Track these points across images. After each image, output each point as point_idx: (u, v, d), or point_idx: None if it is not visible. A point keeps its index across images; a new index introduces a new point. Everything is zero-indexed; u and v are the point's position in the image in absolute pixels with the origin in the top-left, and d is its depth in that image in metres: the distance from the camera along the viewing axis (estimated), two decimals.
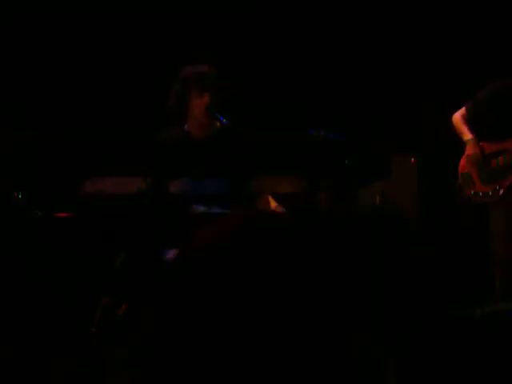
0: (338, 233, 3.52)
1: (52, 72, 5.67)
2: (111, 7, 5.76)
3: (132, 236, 3.45)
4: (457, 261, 5.59)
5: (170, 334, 3.43)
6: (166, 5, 5.84)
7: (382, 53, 6.05)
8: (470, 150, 4.79)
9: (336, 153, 3.75)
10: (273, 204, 3.90)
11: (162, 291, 3.42)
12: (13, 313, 3.65)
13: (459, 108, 5.13)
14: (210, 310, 3.45)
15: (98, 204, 3.66)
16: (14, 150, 4.98)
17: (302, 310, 3.47)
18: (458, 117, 4.90)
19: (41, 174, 4.61)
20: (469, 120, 4.83)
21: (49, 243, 3.49)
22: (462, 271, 5.48)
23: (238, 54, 5.86)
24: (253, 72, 5.93)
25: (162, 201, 3.60)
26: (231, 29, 5.89)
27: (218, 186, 3.90)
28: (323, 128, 3.87)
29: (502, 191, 4.67)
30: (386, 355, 3.50)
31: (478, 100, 4.83)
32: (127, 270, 3.52)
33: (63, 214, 3.47)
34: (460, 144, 5.14)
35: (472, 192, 4.78)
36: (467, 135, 4.82)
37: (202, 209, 3.80)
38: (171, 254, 3.59)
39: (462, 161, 4.89)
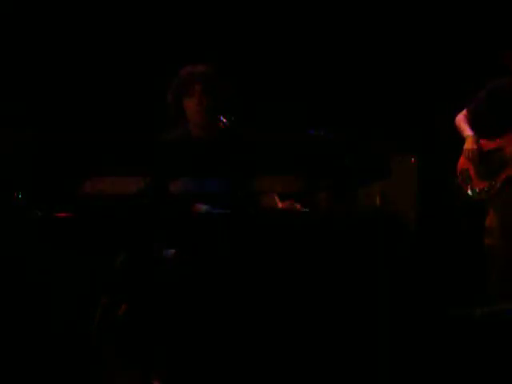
0: (338, 233, 3.52)
1: (52, 72, 5.67)
2: (111, 7, 5.76)
3: (132, 236, 3.45)
4: (457, 261, 5.59)
5: (168, 332, 3.43)
6: (166, 5, 5.84)
7: (382, 53, 6.05)
8: (468, 145, 4.85)
9: (336, 153, 3.75)
10: (279, 203, 3.91)
11: (162, 291, 3.42)
12: (13, 313, 3.64)
13: (459, 107, 5.15)
14: (209, 308, 3.45)
15: (97, 204, 3.66)
16: (14, 150, 4.96)
17: (301, 309, 3.47)
18: (460, 117, 4.96)
19: (41, 174, 4.60)
20: (470, 120, 4.88)
21: (49, 243, 3.49)
22: (462, 271, 5.48)
23: (238, 54, 5.86)
24: (253, 72, 5.93)
25: (162, 201, 3.59)
26: (231, 29, 5.89)
27: (219, 185, 3.91)
28: (323, 128, 3.87)
29: (498, 185, 4.71)
30: (386, 355, 3.50)
31: (477, 100, 4.89)
32: (127, 269, 3.52)
33: (63, 214, 3.46)
34: (460, 144, 5.14)
35: (470, 190, 4.82)
36: (467, 132, 4.88)
37: (204, 208, 3.80)
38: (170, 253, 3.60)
39: (461, 158, 4.92)
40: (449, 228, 5.88)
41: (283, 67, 6.05)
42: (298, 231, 3.52)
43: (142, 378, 3.44)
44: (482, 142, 4.93)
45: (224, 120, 3.92)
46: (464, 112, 4.99)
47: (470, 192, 4.88)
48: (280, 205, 3.94)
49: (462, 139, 5.05)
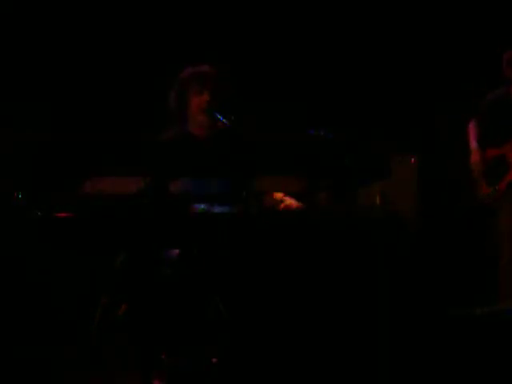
0: (338, 233, 3.52)
1: (52, 72, 5.67)
2: (111, 7, 5.76)
3: (132, 236, 3.45)
4: (457, 261, 5.59)
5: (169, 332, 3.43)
6: (167, 5, 5.84)
7: (382, 53, 6.04)
8: (472, 157, 4.96)
9: (336, 153, 3.75)
10: (280, 200, 3.91)
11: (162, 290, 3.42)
12: (12, 313, 3.64)
13: (459, 107, 5.17)
14: (209, 308, 3.45)
15: (97, 204, 3.66)
16: (14, 150, 4.96)
17: (302, 309, 3.47)
18: (469, 127, 5.06)
19: (41, 174, 4.60)
20: (477, 129, 4.99)
21: (49, 243, 3.49)
22: (462, 271, 5.48)
23: (238, 54, 5.86)
24: (253, 72, 5.93)
25: (161, 201, 3.59)
26: (231, 29, 5.89)
27: (219, 185, 3.90)
28: (323, 128, 3.87)
29: (502, 189, 4.81)
30: (386, 355, 3.49)
31: (480, 110, 4.98)
32: (127, 269, 3.52)
33: (63, 214, 3.46)
34: (459, 143, 5.16)
35: (480, 195, 4.94)
36: (472, 144, 5.00)
37: (202, 207, 3.80)
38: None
39: (472, 164, 5.03)
40: (449, 228, 5.88)
41: (283, 67, 6.05)
42: (297, 231, 3.52)
43: (142, 378, 3.44)
44: (488, 150, 5.02)
45: (224, 120, 3.93)
46: (472, 121, 5.10)
47: (480, 196, 4.97)
48: (282, 200, 3.94)
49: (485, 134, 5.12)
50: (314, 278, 3.48)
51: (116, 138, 5.31)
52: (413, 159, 5.65)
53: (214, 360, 3.46)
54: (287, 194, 3.96)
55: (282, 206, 3.94)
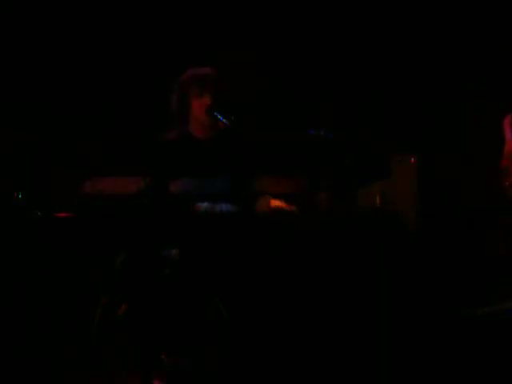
0: (338, 233, 3.52)
1: (52, 72, 5.67)
2: (111, 6, 5.76)
3: (132, 236, 3.45)
4: (457, 261, 5.59)
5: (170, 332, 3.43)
6: (167, 4, 5.84)
7: (382, 53, 6.04)
8: (507, 147, 4.92)
9: (336, 153, 3.75)
10: (274, 203, 3.90)
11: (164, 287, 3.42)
12: (12, 313, 3.64)
13: (459, 108, 5.16)
14: (210, 308, 3.45)
15: (97, 204, 3.66)
16: (14, 150, 4.97)
17: (302, 309, 3.47)
18: (507, 119, 5.03)
19: (41, 174, 4.61)
20: None
21: (49, 243, 3.49)
22: (462, 271, 5.48)
23: (238, 54, 5.85)
24: (253, 72, 5.93)
25: (162, 201, 3.60)
26: (232, 29, 5.89)
27: (220, 186, 3.91)
28: (323, 128, 3.87)
29: None
30: (386, 355, 3.50)
31: None
32: (127, 269, 3.52)
33: (63, 214, 3.47)
34: (459, 143, 5.16)
35: (507, 183, 4.91)
36: (508, 134, 4.95)
37: (205, 205, 3.80)
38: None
39: (505, 151, 4.99)
40: (449, 228, 5.88)
41: (283, 67, 6.05)
42: (297, 231, 3.52)
43: (142, 378, 3.44)
44: None
45: (224, 120, 3.93)
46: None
47: (508, 184, 4.94)
48: (274, 204, 3.94)
49: (487, 134, 5.07)
50: (314, 277, 3.48)
51: (116, 138, 5.31)
52: (413, 159, 5.65)
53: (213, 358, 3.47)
54: (275, 196, 3.93)
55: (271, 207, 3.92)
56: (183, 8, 5.85)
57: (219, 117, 3.93)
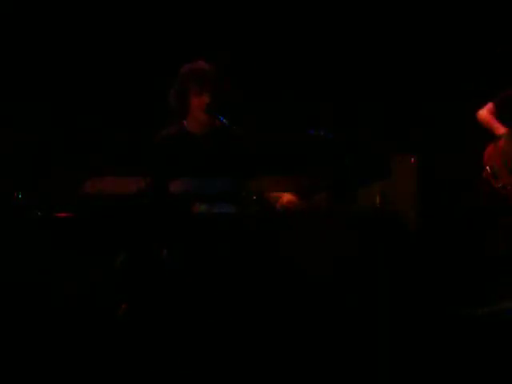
0: (338, 233, 3.52)
1: (52, 72, 5.67)
2: (111, 6, 5.76)
3: (132, 236, 3.45)
4: (457, 261, 5.59)
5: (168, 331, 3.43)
6: (167, 4, 5.84)
7: (382, 53, 6.04)
8: (507, 145, 4.85)
9: (336, 153, 3.75)
10: (278, 196, 3.90)
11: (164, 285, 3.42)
12: (13, 313, 3.64)
13: (459, 108, 5.15)
14: (210, 309, 3.45)
15: (97, 204, 3.66)
16: (14, 150, 4.97)
17: (302, 309, 3.47)
18: (485, 113, 4.95)
19: (41, 174, 4.61)
20: (497, 114, 4.88)
21: (49, 243, 3.49)
22: (462, 271, 5.48)
23: (238, 53, 5.86)
24: (253, 72, 5.93)
25: (161, 201, 3.60)
26: (232, 28, 5.89)
27: (218, 184, 3.91)
28: (323, 128, 3.87)
29: None
30: (386, 355, 3.50)
31: (506, 94, 4.88)
32: (127, 269, 3.52)
33: (63, 214, 3.46)
34: (459, 143, 5.15)
35: (500, 185, 4.85)
36: (501, 129, 4.89)
37: (203, 207, 3.80)
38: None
39: (489, 152, 4.91)
40: (449, 228, 5.88)
41: (283, 67, 6.05)
42: (297, 231, 3.52)
43: (142, 378, 3.45)
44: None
45: (224, 120, 3.93)
46: (489, 106, 4.97)
47: (501, 186, 4.89)
48: (280, 196, 3.93)
49: (491, 133, 5.01)
50: (313, 277, 3.48)
51: (116, 138, 5.31)
52: (413, 159, 5.65)
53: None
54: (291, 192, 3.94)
55: (282, 201, 3.92)
56: (185, 7, 5.85)
57: (219, 116, 3.93)
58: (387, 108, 6.10)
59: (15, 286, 3.63)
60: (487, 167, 4.93)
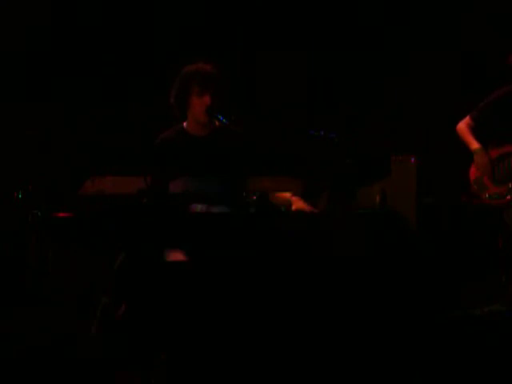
0: (338, 233, 3.52)
1: (52, 72, 5.67)
2: (112, 6, 5.76)
3: (132, 236, 3.45)
4: (456, 261, 5.59)
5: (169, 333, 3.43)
6: (168, 3, 5.84)
7: (382, 53, 6.04)
8: (478, 159, 4.91)
9: (336, 153, 3.75)
10: (290, 200, 3.89)
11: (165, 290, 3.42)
12: (13, 313, 3.65)
13: (459, 108, 5.15)
14: (210, 309, 3.45)
15: (97, 204, 3.66)
16: (15, 150, 4.97)
17: (301, 309, 3.47)
18: (462, 126, 4.99)
19: (41, 174, 4.61)
20: (474, 128, 4.93)
21: (49, 243, 3.49)
22: (462, 271, 5.48)
23: (239, 54, 5.86)
24: (253, 72, 5.93)
25: (162, 201, 3.60)
26: (232, 28, 5.89)
27: (217, 184, 3.91)
28: (323, 128, 3.87)
29: None
30: (385, 355, 3.50)
31: (482, 107, 4.91)
32: (127, 269, 3.52)
33: (63, 214, 3.47)
34: (459, 145, 5.16)
35: (487, 195, 4.88)
36: (474, 145, 4.93)
37: (199, 207, 3.80)
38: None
39: (472, 169, 4.97)
40: (448, 228, 5.88)
41: (284, 67, 6.05)
42: (297, 231, 3.52)
43: (142, 378, 3.45)
44: (490, 148, 4.97)
45: (224, 120, 3.93)
46: (467, 120, 5.00)
47: (488, 197, 4.93)
48: (292, 202, 3.93)
49: (467, 147, 5.05)
50: (313, 277, 3.48)
51: (116, 138, 5.31)
52: (413, 159, 5.65)
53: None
54: (295, 194, 3.93)
55: (296, 207, 3.90)
56: (186, 7, 5.85)
57: (219, 117, 3.93)
58: (387, 108, 6.10)
59: (15, 286, 3.64)
60: (472, 182, 5.00)
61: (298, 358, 3.46)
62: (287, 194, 3.94)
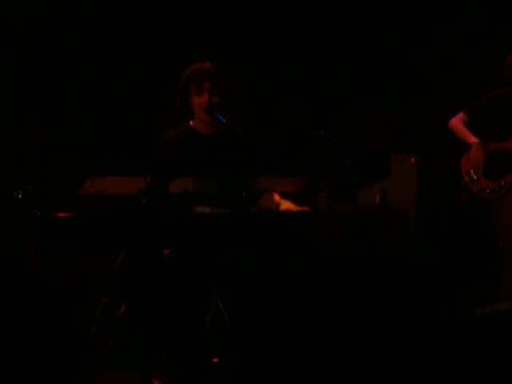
0: (338, 233, 3.52)
1: (52, 71, 5.67)
2: (113, 5, 5.76)
3: (132, 236, 3.45)
4: (456, 260, 5.59)
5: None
6: (171, 3, 5.85)
7: (382, 53, 6.05)
8: (476, 152, 4.94)
9: (336, 153, 3.75)
10: (278, 202, 3.90)
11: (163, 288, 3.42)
12: (13, 313, 3.64)
13: (459, 108, 5.16)
14: (210, 308, 3.45)
15: (97, 204, 3.66)
16: (14, 150, 4.97)
17: (301, 309, 3.47)
18: (456, 122, 5.04)
19: (41, 174, 4.61)
20: (468, 123, 4.98)
21: (49, 243, 3.48)
22: (462, 271, 5.48)
23: (239, 54, 5.86)
24: (253, 71, 5.93)
25: (162, 201, 3.60)
26: (233, 28, 5.90)
27: (219, 185, 3.91)
28: (323, 128, 3.87)
29: (507, 185, 4.85)
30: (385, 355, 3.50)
31: (477, 105, 4.97)
32: (127, 269, 3.52)
33: (63, 214, 3.46)
34: (459, 144, 5.16)
35: (479, 187, 4.94)
36: (472, 138, 4.98)
37: (202, 209, 3.80)
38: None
39: (464, 161, 5.00)
40: (448, 228, 5.89)
41: (284, 67, 6.06)
42: (297, 231, 3.52)
43: (142, 378, 3.45)
44: (487, 143, 5.01)
45: (224, 120, 3.93)
46: (460, 115, 5.06)
47: (478, 191, 4.97)
48: (280, 204, 3.94)
49: (463, 142, 5.08)
50: (313, 277, 3.49)
51: (116, 138, 5.31)
52: (413, 159, 5.66)
53: (215, 360, 3.46)
54: (284, 196, 3.94)
55: (281, 209, 3.92)
56: (187, 7, 5.85)
57: (218, 116, 3.93)
58: (387, 108, 6.10)
59: (15, 286, 3.63)
60: (464, 175, 5.03)
61: (300, 358, 3.46)
62: (276, 196, 3.94)
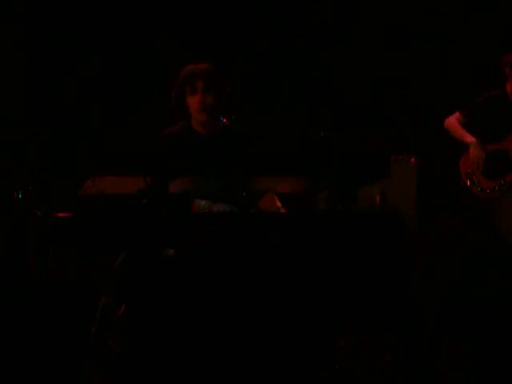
0: (338, 233, 3.52)
1: (52, 71, 5.67)
2: (113, 5, 5.77)
3: (132, 236, 3.45)
4: (456, 260, 5.60)
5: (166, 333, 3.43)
6: (170, 3, 5.85)
7: (382, 53, 6.05)
8: (475, 151, 4.95)
9: (336, 153, 3.75)
10: (278, 203, 3.91)
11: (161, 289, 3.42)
12: (13, 313, 3.64)
13: (459, 108, 5.17)
14: (209, 308, 3.45)
15: (97, 204, 3.66)
16: (14, 150, 4.97)
17: (301, 310, 3.47)
18: (452, 121, 5.06)
19: (41, 174, 4.61)
20: (465, 123, 4.99)
21: (48, 243, 3.49)
22: (461, 271, 5.48)
23: (239, 54, 5.86)
24: (253, 71, 5.93)
25: (162, 201, 3.60)
26: (233, 28, 5.90)
27: (219, 184, 3.91)
28: (323, 128, 3.87)
29: (507, 184, 4.86)
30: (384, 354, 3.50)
31: (475, 105, 4.98)
32: (127, 269, 3.52)
33: (63, 214, 3.46)
34: (458, 144, 5.17)
35: (479, 189, 4.94)
36: (469, 138, 4.99)
37: (203, 203, 3.80)
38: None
39: (463, 161, 5.01)
40: (448, 227, 5.89)
41: (284, 67, 6.06)
42: (297, 231, 3.53)
43: (141, 379, 3.45)
44: (485, 143, 5.02)
45: (224, 120, 3.92)
46: (456, 115, 5.08)
47: (479, 191, 4.99)
48: (279, 205, 3.94)
49: (459, 141, 5.10)
50: (313, 277, 3.49)
51: (117, 138, 5.31)
52: (413, 159, 5.66)
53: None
54: (284, 196, 3.94)
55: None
56: (186, 7, 5.85)
57: (216, 115, 3.93)
58: (387, 108, 6.10)
59: (14, 286, 3.63)
60: (464, 176, 5.04)
61: (297, 359, 3.47)
62: (278, 203, 3.94)
